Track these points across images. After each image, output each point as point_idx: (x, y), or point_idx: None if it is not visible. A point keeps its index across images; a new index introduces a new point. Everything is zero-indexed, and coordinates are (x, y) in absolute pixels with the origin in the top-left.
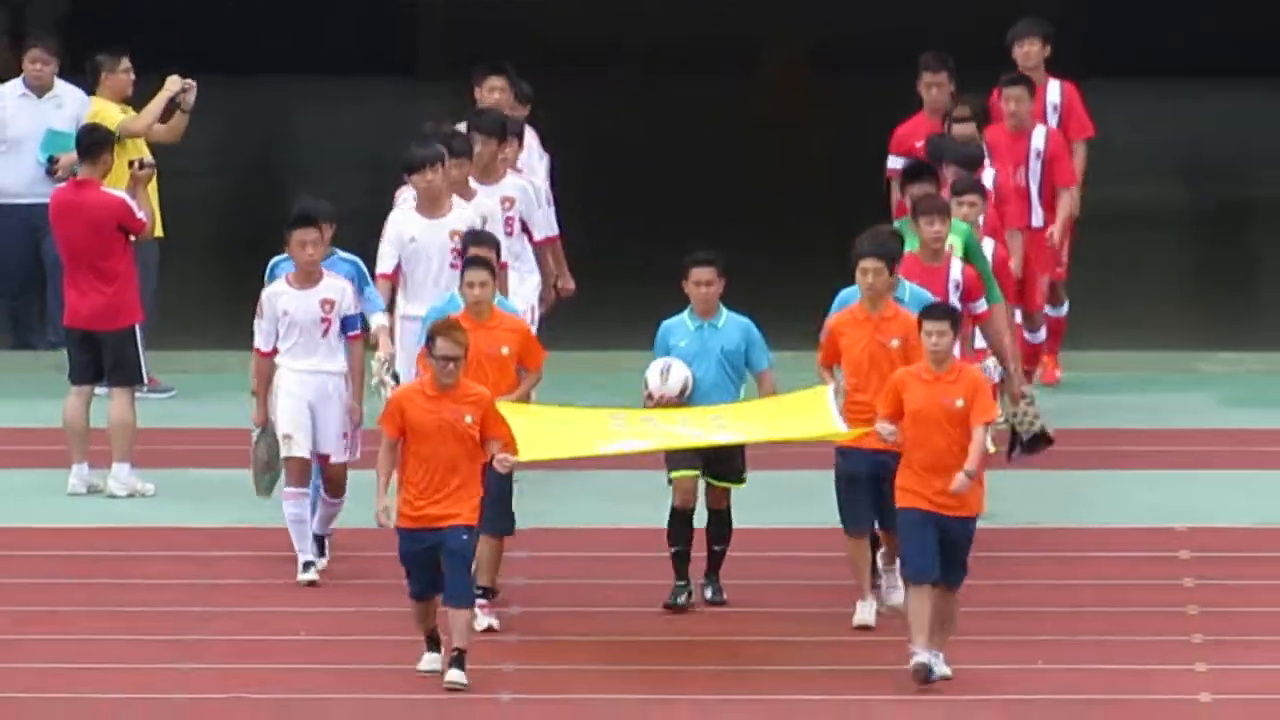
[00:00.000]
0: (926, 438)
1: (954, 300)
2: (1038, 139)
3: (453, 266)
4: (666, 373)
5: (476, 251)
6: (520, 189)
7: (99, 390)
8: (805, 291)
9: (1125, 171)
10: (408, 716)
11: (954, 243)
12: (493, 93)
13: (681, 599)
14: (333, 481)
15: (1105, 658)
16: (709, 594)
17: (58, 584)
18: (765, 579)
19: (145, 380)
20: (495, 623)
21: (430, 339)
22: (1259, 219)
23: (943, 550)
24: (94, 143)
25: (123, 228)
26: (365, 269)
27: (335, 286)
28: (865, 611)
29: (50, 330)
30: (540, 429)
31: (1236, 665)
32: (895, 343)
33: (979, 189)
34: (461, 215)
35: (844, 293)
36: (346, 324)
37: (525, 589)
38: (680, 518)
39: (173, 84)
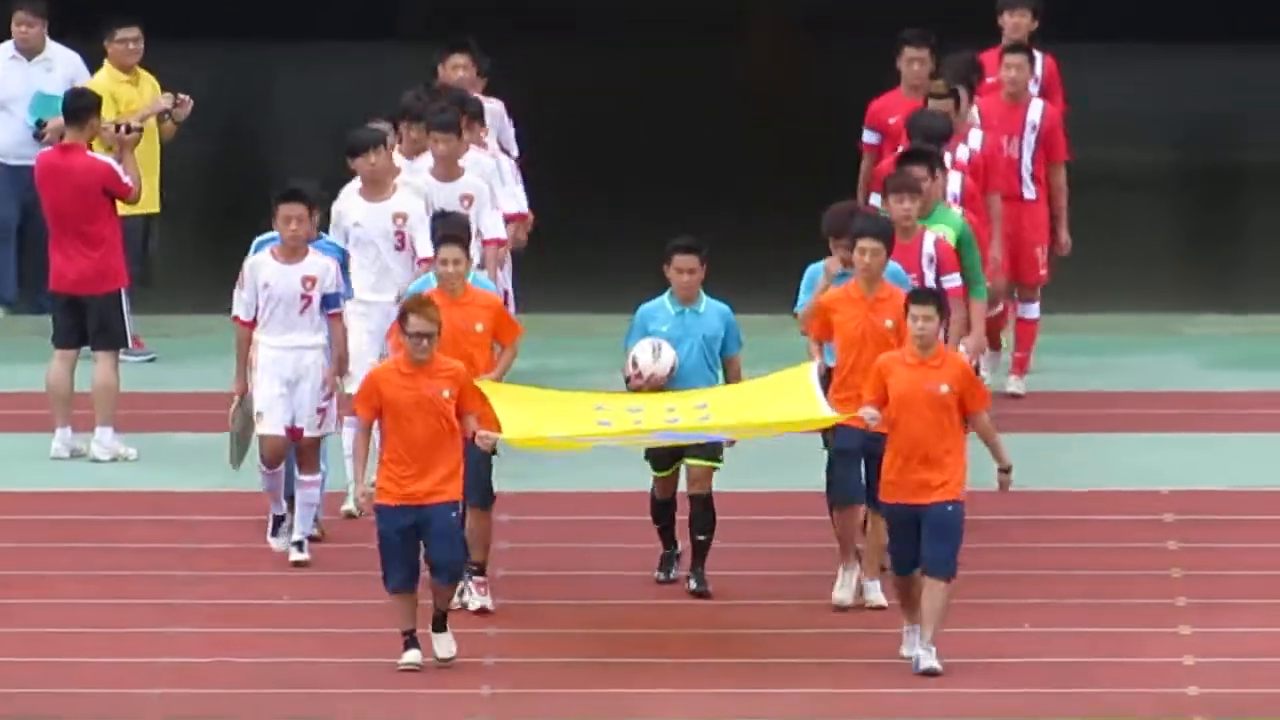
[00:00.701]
0: (908, 422)
1: (928, 274)
2: (1034, 112)
3: (397, 249)
4: (658, 351)
5: (447, 230)
6: (478, 165)
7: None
8: (775, 255)
9: (1111, 134)
10: (393, 680)
11: (948, 235)
12: (456, 70)
13: (672, 570)
14: (303, 455)
15: (1090, 621)
16: (693, 585)
17: (41, 548)
18: (746, 542)
19: (130, 344)
20: (490, 604)
21: (403, 316)
22: (1244, 182)
23: (928, 540)
24: (80, 107)
25: (108, 192)
26: (347, 258)
27: (319, 264)
28: (844, 592)
29: (27, 294)
30: (525, 411)
31: (1220, 628)
32: (889, 324)
33: (928, 160)
34: (404, 198)
35: (812, 268)
36: (327, 301)
37: (509, 552)
38: (660, 505)
39: (162, 101)
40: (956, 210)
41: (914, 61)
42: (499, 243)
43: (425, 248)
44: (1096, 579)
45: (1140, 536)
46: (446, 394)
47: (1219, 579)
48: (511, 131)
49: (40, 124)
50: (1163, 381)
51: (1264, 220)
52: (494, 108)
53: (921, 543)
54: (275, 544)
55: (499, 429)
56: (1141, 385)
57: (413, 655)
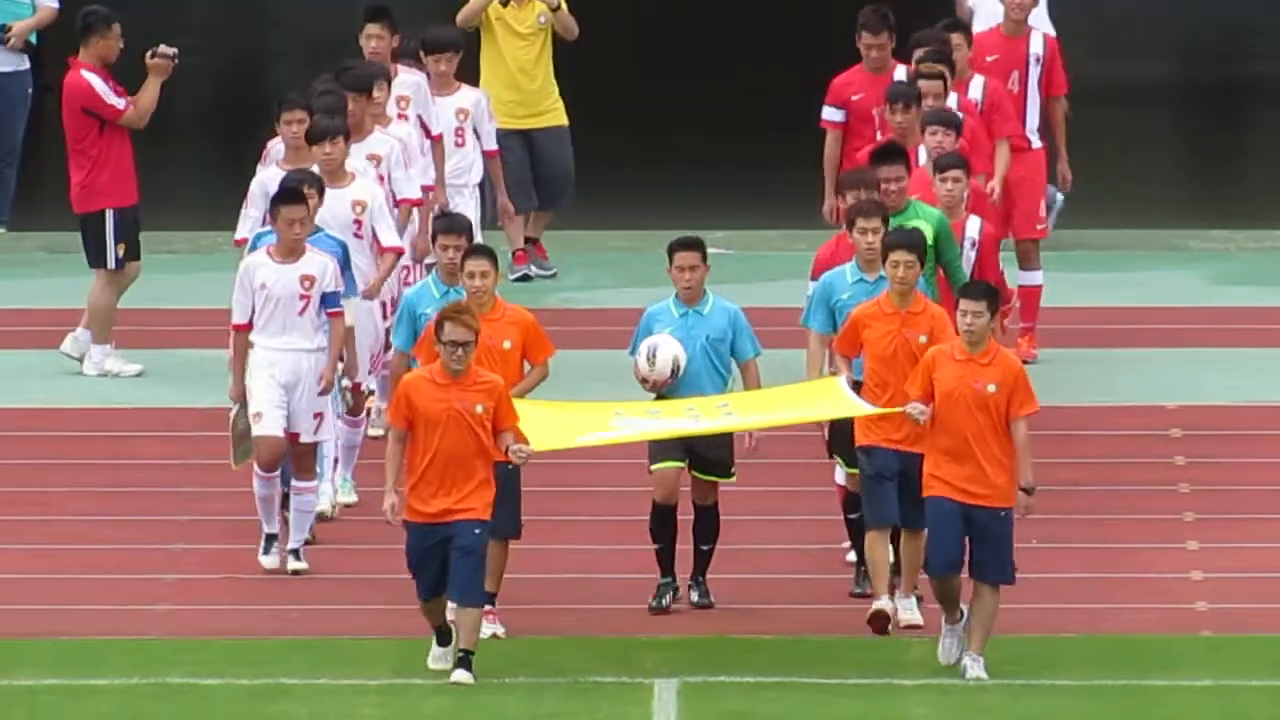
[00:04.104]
0: (953, 420)
1: (970, 254)
2: (975, 90)
3: (356, 237)
4: (653, 355)
5: (466, 241)
6: (388, 145)
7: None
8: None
9: (1119, 48)
10: (398, 597)
11: (925, 229)
12: (370, 40)
13: (665, 599)
14: (300, 461)
15: (1098, 536)
16: (695, 597)
17: (47, 464)
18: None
19: (110, 264)
20: (500, 630)
21: (439, 324)
22: (1253, 97)
23: (978, 546)
24: (84, 26)
25: (89, 112)
26: (349, 251)
27: (317, 262)
28: (883, 604)
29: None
30: (547, 424)
31: (1228, 543)
32: (923, 339)
33: (964, 164)
34: (363, 186)
35: (825, 278)
36: (326, 300)
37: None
38: (662, 514)
39: None
40: (933, 207)
41: (872, 49)
42: (409, 202)
43: (388, 236)
44: (1104, 494)
45: (1148, 451)
46: (480, 409)
47: (1226, 493)
48: (490, 126)
49: (4, 28)
50: (1170, 297)
51: (1273, 135)
52: (418, 80)
53: (972, 548)
54: (267, 562)
55: (528, 443)
56: (1149, 300)
57: (440, 654)
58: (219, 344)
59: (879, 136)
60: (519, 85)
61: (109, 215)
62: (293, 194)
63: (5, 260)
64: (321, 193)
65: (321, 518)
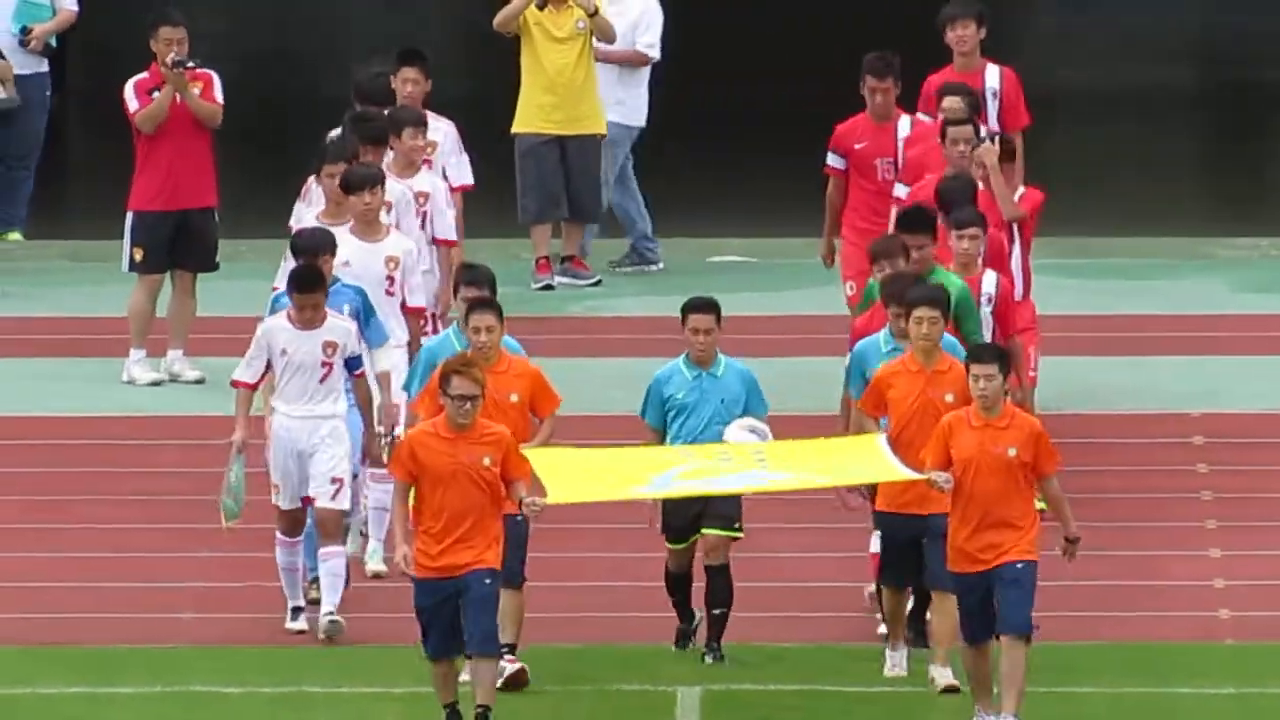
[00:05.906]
0: (975, 488)
1: (985, 310)
2: (904, 128)
3: (388, 294)
4: (749, 431)
5: (478, 293)
6: (399, 192)
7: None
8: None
9: (1139, 54)
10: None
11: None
12: (405, 84)
13: (689, 645)
14: (323, 525)
15: (1121, 544)
16: (709, 662)
17: (69, 472)
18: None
19: (124, 266)
20: (517, 668)
21: (444, 377)
22: (1276, 101)
23: (1000, 598)
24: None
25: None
26: (369, 298)
27: (340, 328)
28: (897, 660)
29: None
30: (570, 471)
31: (1250, 551)
32: (949, 397)
33: (982, 222)
34: (397, 241)
35: (859, 347)
36: (350, 364)
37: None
38: (676, 579)
39: None
40: (956, 275)
41: (877, 92)
42: (447, 243)
43: (416, 296)
44: (1126, 501)
45: (1170, 459)
46: (488, 461)
47: (1249, 501)
48: (463, 159)
49: (25, 30)
50: (1195, 304)
51: None
52: (445, 127)
53: (995, 602)
54: (295, 626)
55: (543, 493)
56: (1173, 308)
57: None
58: (240, 351)
59: (886, 178)
60: (556, 89)
61: (128, 217)
62: (308, 281)
63: (28, 269)
64: (334, 252)
65: (378, 575)
